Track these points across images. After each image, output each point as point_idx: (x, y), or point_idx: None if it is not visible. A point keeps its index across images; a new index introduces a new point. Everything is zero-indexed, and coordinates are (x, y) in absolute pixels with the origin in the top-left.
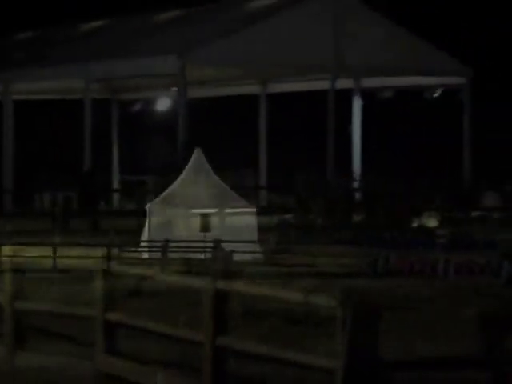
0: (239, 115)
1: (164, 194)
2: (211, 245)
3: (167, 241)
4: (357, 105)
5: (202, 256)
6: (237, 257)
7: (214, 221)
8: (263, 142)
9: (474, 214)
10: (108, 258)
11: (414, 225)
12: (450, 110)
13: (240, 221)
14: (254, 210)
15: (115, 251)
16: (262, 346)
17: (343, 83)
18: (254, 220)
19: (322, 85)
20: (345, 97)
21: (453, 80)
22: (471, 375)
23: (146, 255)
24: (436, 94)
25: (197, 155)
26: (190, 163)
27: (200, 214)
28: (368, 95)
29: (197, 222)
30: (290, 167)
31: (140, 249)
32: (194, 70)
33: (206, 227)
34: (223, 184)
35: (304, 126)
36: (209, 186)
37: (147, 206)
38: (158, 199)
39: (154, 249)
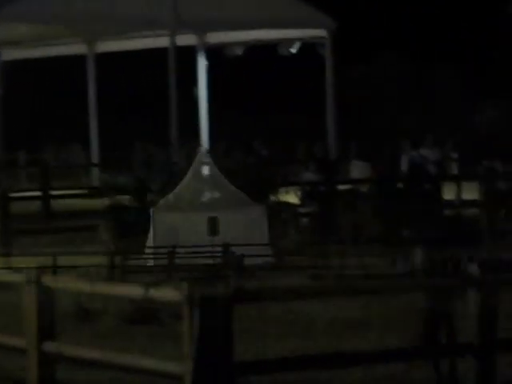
0: (64, 80)
1: (168, 196)
2: (220, 249)
3: (173, 246)
4: (202, 64)
5: (211, 261)
6: (247, 261)
7: (223, 223)
8: (93, 111)
9: (341, 187)
10: (112, 266)
11: (272, 200)
12: (311, 67)
13: (249, 222)
14: (264, 209)
15: (118, 259)
16: (98, 350)
17: (185, 39)
18: (264, 221)
19: (161, 42)
20: (188, 55)
21: (312, 33)
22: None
23: (151, 262)
24: (293, 50)
25: (200, 154)
26: (193, 164)
27: (207, 217)
28: (215, 53)
29: (204, 226)
30: (126, 139)
31: (145, 256)
32: (8, 29)
33: (213, 230)
34: (230, 184)
35: (142, 90)
36: (215, 186)
37: (151, 211)
38: (161, 203)
39: (159, 255)
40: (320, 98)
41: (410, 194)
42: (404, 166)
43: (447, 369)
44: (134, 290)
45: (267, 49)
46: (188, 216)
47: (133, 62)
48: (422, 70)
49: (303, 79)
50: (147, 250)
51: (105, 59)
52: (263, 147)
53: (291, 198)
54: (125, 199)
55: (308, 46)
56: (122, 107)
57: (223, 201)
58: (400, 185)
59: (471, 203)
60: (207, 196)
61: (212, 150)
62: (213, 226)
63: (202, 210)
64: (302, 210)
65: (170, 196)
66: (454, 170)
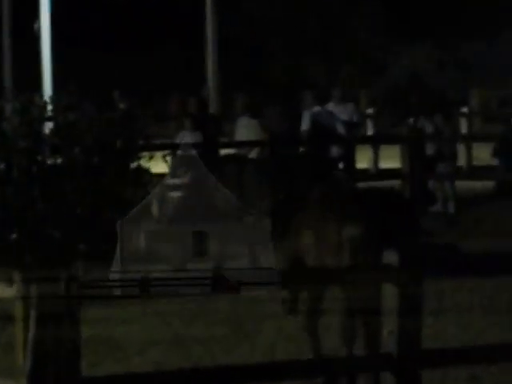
0: None
1: (141, 204)
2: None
3: (147, 272)
4: None
5: (198, 290)
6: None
7: (213, 240)
8: None
9: (224, 152)
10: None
11: (133, 166)
12: None
13: (249, 239)
14: (269, 223)
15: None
16: None
17: None
18: (267, 237)
19: None
20: None
21: None
22: None
23: (118, 292)
24: None
25: (183, 148)
26: (173, 161)
27: (192, 232)
28: None
29: (189, 243)
30: None
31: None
32: None
33: (201, 250)
34: (223, 187)
35: None
36: (203, 191)
37: (118, 224)
38: (132, 213)
39: (128, 283)
40: (198, 36)
41: (313, 161)
42: (305, 125)
43: None
44: None
45: None
46: (167, 231)
47: None
48: (336, 3)
49: (176, 13)
50: (112, 276)
51: None
52: (123, 98)
53: (158, 165)
54: None
55: None
56: None
57: (214, 210)
58: (300, 149)
59: (391, 173)
60: (193, 204)
61: (56, 102)
62: (200, 244)
63: (185, 223)
64: (171, 182)
65: (143, 204)
66: (370, 130)
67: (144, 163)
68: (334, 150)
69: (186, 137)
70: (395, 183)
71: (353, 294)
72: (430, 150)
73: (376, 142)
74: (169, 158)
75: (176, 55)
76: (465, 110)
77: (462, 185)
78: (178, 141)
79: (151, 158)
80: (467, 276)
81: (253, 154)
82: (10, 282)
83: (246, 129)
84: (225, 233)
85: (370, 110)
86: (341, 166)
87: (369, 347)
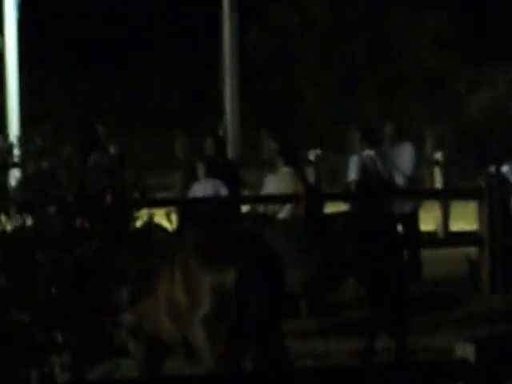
0: None
1: None
2: None
3: None
4: (10, 2)
5: None
6: None
7: None
8: None
9: (245, 209)
10: None
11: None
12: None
13: None
14: None
15: None
16: None
17: None
18: None
19: None
20: None
21: None
22: None
23: None
24: None
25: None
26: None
27: None
28: None
29: None
30: None
31: None
32: None
33: None
34: None
35: None
36: None
37: None
38: None
39: None
40: (212, 60)
41: (364, 221)
42: (354, 173)
43: None
44: None
45: None
46: None
47: None
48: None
49: (183, 24)
50: None
51: None
52: (112, 138)
53: (158, 224)
54: None
55: None
56: None
57: None
58: (349, 206)
59: (465, 237)
60: None
61: (24, 144)
62: None
63: None
64: None
65: None
66: (438, 181)
67: (139, 221)
68: (392, 207)
69: (200, 188)
70: (470, 251)
71: None
72: None
73: (445, 197)
74: (174, 217)
75: (181, 80)
76: None
77: None
78: (190, 194)
79: (151, 217)
80: None
81: (284, 212)
82: None
83: (275, 179)
84: None
85: (437, 155)
86: (400, 227)
87: None
